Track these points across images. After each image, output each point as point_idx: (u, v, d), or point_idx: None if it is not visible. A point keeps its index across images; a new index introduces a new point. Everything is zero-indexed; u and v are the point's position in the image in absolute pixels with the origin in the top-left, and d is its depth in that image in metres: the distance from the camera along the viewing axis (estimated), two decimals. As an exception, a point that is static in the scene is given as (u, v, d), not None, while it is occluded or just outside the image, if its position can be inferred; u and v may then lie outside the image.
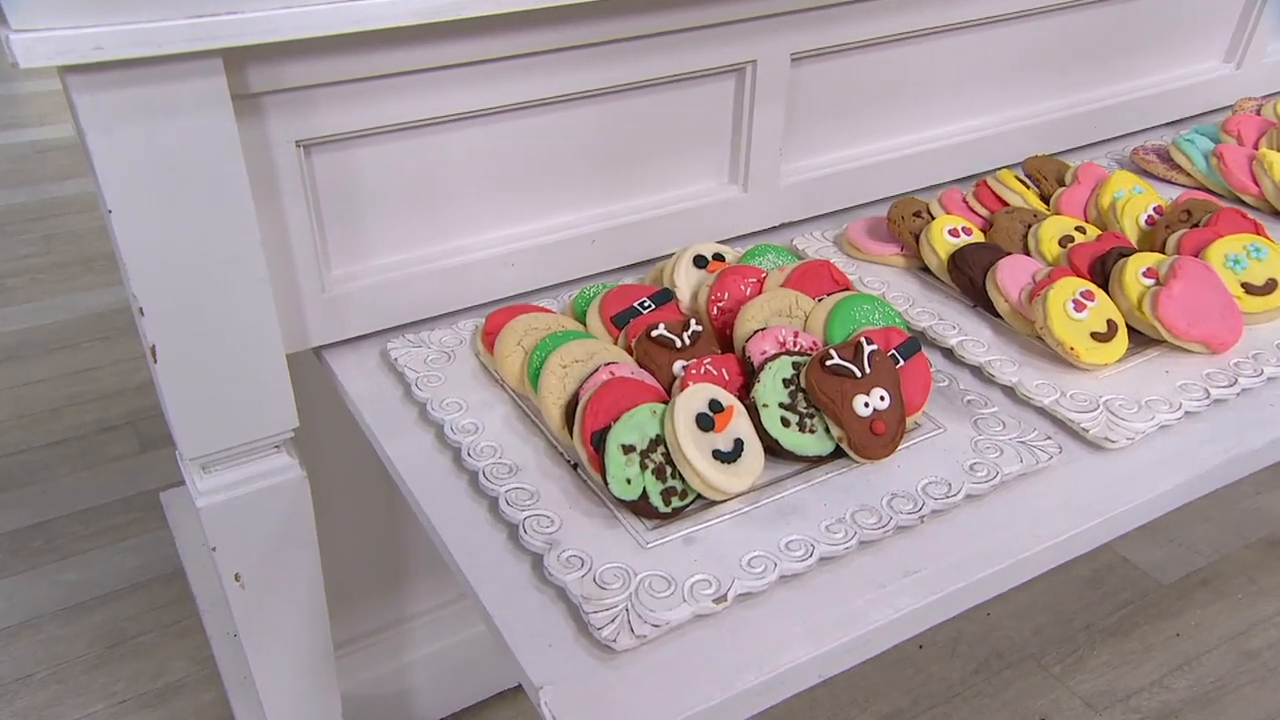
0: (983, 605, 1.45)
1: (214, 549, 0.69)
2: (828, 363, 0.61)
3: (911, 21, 0.85)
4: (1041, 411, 0.67)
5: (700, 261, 0.75)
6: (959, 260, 0.77)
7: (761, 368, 0.63)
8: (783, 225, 0.91)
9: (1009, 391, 0.69)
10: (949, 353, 0.74)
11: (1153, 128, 1.11)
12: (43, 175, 2.38)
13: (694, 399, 0.59)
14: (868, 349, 0.62)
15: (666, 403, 0.60)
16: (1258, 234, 0.77)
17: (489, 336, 0.69)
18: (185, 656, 1.22)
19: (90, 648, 1.23)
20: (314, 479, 0.74)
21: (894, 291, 0.80)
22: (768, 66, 0.80)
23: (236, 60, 0.57)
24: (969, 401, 0.67)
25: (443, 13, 0.60)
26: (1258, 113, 1.00)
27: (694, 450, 0.57)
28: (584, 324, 0.71)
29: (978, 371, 0.72)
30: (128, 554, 1.36)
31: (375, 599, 1.00)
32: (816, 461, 0.62)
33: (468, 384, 0.69)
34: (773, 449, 0.61)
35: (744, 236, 0.89)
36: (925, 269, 0.82)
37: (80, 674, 1.19)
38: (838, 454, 0.62)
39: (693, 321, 0.67)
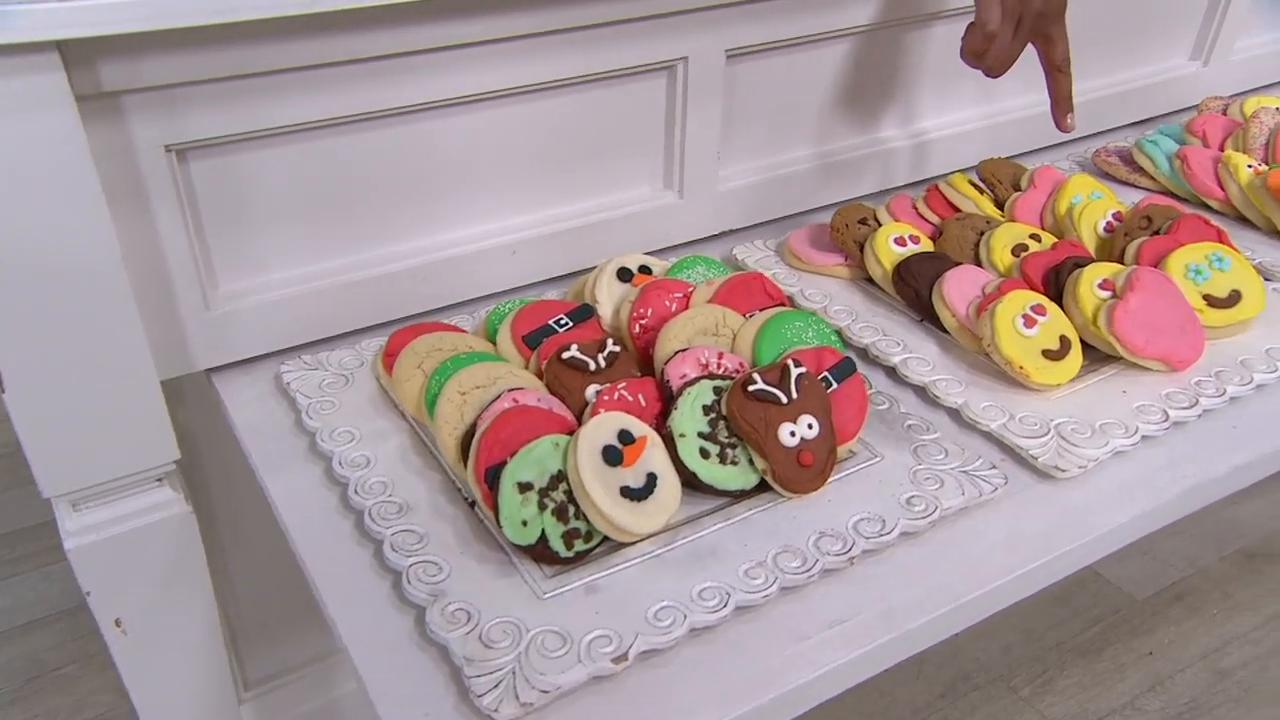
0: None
1: (88, 593, 0.63)
2: (750, 387, 0.56)
3: (855, 17, 0.80)
4: (989, 436, 0.62)
5: (625, 274, 0.70)
6: (904, 271, 0.72)
7: (680, 393, 0.57)
8: (724, 234, 0.86)
9: (955, 414, 0.64)
10: (892, 371, 0.68)
11: (1116, 128, 1.06)
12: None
13: (600, 430, 0.53)
14: (795, 372, 0.57)
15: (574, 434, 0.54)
16: (1220, 242, 0.72)
17: (389, 358, 0.64)
18: (109, 689, 1.15)
19: (8, 681, 1.16)
20: (227, 505, 0.68)
21: (836, 305, 0.74)
22: (700, 64, 0.75)
23: (82, 54, 0.51)
24: (910, 426, 0.62)
25: (317, 3, 0.54)
26: (1224, 113, 0.96)
27: (598, 488, 0.51)
28: (496, 344, 0.65)
29: (922, 392, 0.66)
30: (52, 580, 1.29)
31: (300, 631, 0.94)
32: (739, 496, 0.56)
33: (364, 411, 0.63)
34: (691, 482, 0.55)
35: (682, 245, 0.84)
36: (871, 280, 0.77)
37: (-6, 710, 1.13)
38: (763, 487, 0.57)
39: (610, 341, 0.62)
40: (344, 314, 0.69)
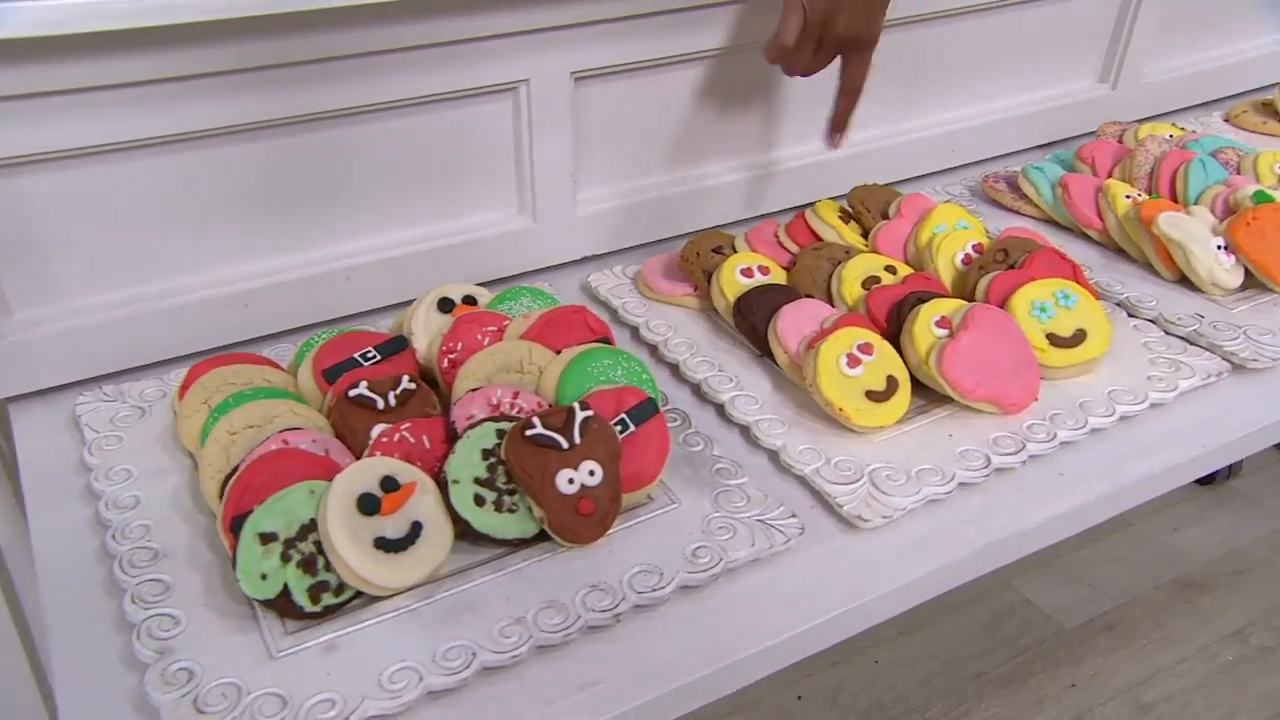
0: (869, 652, 1.38)
1: None
2: (529, 432, 0.53)
3: (711, 39, 0.77)
4: (803, 481, 0.59)
5: (447, 305, 0.67)
6: (742, 305, 0.69)
7: (462, 435, 0.54)
8: (586, 259, 0.83)
9: (774, 457, 0.61)
10: (722, 410, 0.66)
11: (1023, 150, 1.03)
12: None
13: (359, 476, 0.51)
14: (580, 415, 0.54)
15: (337, 479, 0.51)
16: (1073, 278, 0.69)
17: (184, 391, 0.61)
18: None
19: None
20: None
21: (678, 337, 0.72)
22: (544, 86, 0.73)
23: None
24: (718, 470, 0.59)
25: (101, 20, 0.52)
26: (1119, 139, 0.93)
27: (345, 539, 0.48)
28: (297, 379, 0.63)
29: (747, 432, 0.64)
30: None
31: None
32: (518, 545, 0.54)
33: (151, 448, 0.60)
34: (467, 531, 0.53)
35: (540, 271, 0.81)
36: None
37: None
38: (545, 536, 0.54)
39: (406, 378, 0.59)
40: (153, 343, 0.67)
